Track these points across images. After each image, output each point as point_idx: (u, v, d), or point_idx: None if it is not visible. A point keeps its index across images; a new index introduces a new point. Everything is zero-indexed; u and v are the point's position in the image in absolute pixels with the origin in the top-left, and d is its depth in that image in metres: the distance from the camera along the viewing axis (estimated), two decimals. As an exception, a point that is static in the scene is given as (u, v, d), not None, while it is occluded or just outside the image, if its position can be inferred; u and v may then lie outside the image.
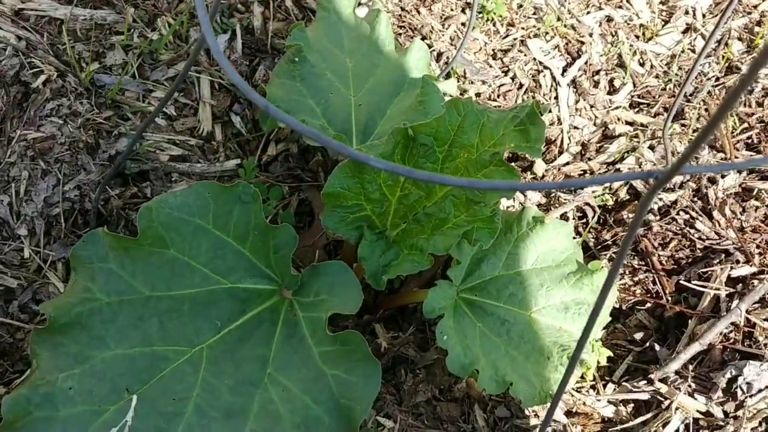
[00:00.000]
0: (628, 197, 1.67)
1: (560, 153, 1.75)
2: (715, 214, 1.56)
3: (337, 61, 1.69)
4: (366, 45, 1.72)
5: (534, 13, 1.97)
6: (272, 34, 1.87)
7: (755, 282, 1.43)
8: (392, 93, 1.65)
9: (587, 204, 1.66)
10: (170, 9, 1.83)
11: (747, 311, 1.39)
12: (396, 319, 1.56)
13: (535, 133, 1.33)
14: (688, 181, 1.65)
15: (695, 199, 1.62)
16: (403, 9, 1.94)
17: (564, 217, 1.65)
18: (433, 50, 1.89)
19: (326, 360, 1.22)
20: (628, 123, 1.78)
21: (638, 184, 1.67)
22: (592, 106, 1.81)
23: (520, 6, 1.97)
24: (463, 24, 1.94)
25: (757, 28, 1.93)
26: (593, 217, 1.65)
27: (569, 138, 1.76)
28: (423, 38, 1.90)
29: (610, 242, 1.60)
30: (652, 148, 1.71)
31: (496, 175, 1.33)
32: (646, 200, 0.71)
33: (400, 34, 1.91)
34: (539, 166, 1.73)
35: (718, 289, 1.45)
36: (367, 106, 1.63)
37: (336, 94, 1.64)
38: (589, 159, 1.73)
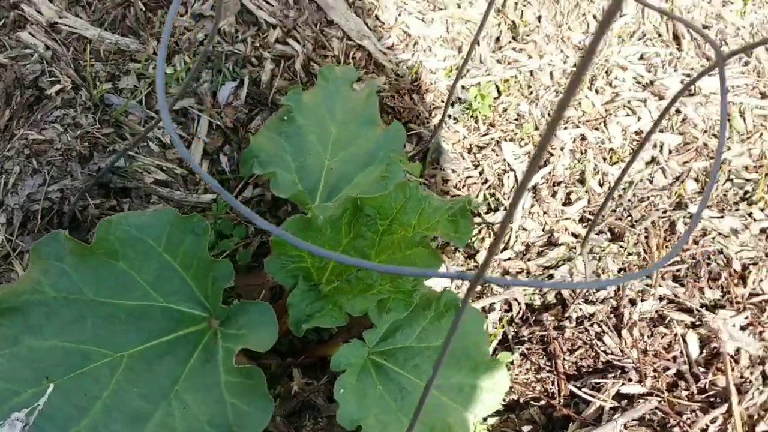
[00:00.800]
0: (554, 301, 1.81)
1: (505, 249, 1.90)
2: (624, 332, 1.70)
3: (323, 127, 1.86)
4: (353, 117, 1.89)
5: (516, 119, 2.14)
6: (276, 89, 2.05)
7: (641, 401, 1.56)
8: (364, 164, 1.82)
9: (515, 299, 1.80)
10: (189, 49, 2.03)
11: (624, 425, 1.51)
12: (315, 368, 1.70)
13: (464, 227, 1.49)
14: (610, 297, 1.78)
15: (611, 315, 1.75)
16: (398, 91, 2.12)
17: (492, 307, 1.79)
18: (416, 133, 2.06)
19: (229, 389, 1.36)
20: (573, 234, 1.93)
21: (565, 292, 1.80)
22: (545, 213, 1.96)
23: (505, 110, 2.14)
24: (449, 116, 2.12)
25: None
26: (518, 313, 1.79)
27: (516, 237, 1.91)
28: (408, 121, 2.07)
29: (526, 338, 1.74)
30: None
31: (422, 255, 1.50)
32: (464, 301, 0.86)
33: (388, 113, 2.08)
34: (482, 257, 1.87)
35: (605, 401, 1.58)
36: (338, 172, 1.80)
37: (314, 155, 1.81)
38: (529, 260, 1.87)
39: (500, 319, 1.78)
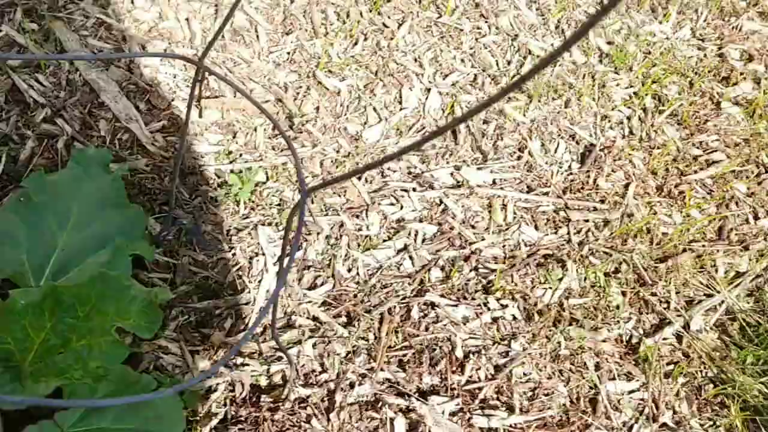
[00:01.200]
0: (280, 383, 1.88)
1: (244, 329, 1.96)
2: (333, 416, 1.77)
3: (65, 209, 1.90)
4: (98, 199, 1.94)
5: (278, 204, 2.23)
6: (33, 168, 2.09)
7: (331, 485, 1.63)
8: (97, 247, 1.86)
9: (241, 381, 1.86)
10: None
11: None
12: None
13: (153, 317, 1.58)
14: (330, 381, 1.86)
15: (325, 399, 1.82)
16: (159, 174, 2.18)
17: (213, 388, 1.84)
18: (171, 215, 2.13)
19: None
20: (312, 318, 2.01)
21: (288, 372, 1.87)
22: (288, 296, 2.04)
23: (268, 195, 2.23)
24: (212, 198, 2.19)
25: (461, 263, 2.21)
26: (240, 393, 1.84)
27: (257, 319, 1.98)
28: (165, 203, 2.13)
29: (243, 419, 1.79)
30: (314, 345, 1.93)
31: (109, 343, 1.55)
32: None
33: (146, 194, 2.14)
34: (218, 337, 1.93)
35: (295, 484, 1.64)
36: (70, 253, 1.84)
37: (49, 235, 1.85)
38: (264, 341, 1.94)
39: (224, 399, 1.83)
